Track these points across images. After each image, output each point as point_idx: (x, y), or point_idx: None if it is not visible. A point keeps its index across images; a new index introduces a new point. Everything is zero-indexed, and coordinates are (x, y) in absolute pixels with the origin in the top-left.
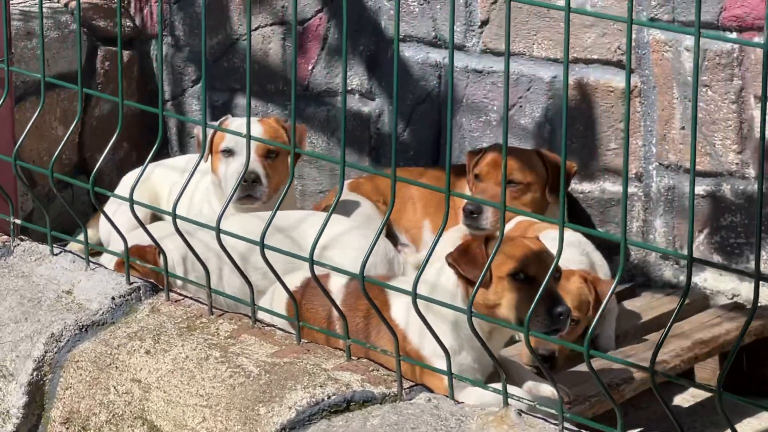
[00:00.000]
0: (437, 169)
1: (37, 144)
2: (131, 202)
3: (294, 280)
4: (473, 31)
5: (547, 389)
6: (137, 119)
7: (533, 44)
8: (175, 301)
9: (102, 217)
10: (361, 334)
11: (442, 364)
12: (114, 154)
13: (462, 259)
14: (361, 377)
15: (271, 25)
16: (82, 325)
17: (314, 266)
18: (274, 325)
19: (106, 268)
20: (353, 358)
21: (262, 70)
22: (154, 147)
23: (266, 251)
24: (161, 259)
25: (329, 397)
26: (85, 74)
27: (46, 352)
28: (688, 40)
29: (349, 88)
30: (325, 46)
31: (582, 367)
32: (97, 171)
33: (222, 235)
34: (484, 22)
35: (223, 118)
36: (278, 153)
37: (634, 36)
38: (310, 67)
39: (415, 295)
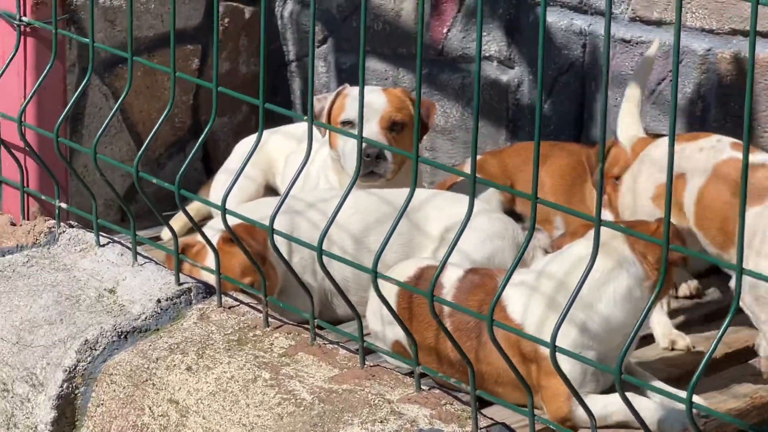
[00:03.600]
0: (576, 145)
1: (147, 105)
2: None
3: (407, 270)
4: None
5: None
6: (257, 79)
7: (686, 13)
8: (229, 308)
9: (214, 183)
10: (473, 333)
11: (564, 364)
12: (231, 118)
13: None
14: (431, 412)
15: None
16: (121, 332)
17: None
18: (338, 343)
19: (157, 263)
20: (424, 387)
21: (393, 32)
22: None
23: (379, 231)
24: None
25: None
26: (202, 31)
27: (78, 361)
28: None
29: (487, 55)
30: (461, 8)
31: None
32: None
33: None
34: None
35: (341, 87)
36: (404, 125)
37: None
38: (444, 30)
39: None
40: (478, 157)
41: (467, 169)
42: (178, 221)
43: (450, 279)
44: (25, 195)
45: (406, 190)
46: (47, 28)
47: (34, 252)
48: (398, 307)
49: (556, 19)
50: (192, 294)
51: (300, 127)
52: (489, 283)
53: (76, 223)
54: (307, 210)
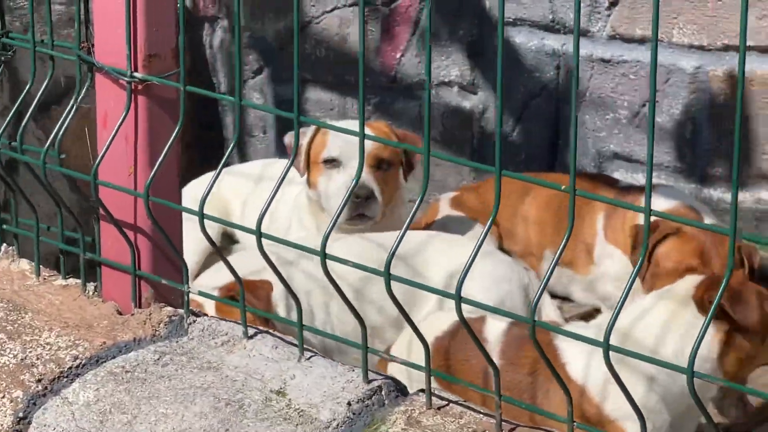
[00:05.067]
0: (564, 176)
1: (82, 150)
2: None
3: (440, 323)
4: (599, 13)
5: None
6: (190, 116)
7: (673, 29)
8: (438, 408)
9: None
10: (526, 394)
11: (632, 429)
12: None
13: (737, 305)
14: None
15: (351, 5)
16: None
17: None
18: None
19: (324, 357)
20: None
21: (339, 59)
22: (230, 147)
23: (379, 281)
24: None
25: None
26: None
27: None
28: None
29: (447, 80)
30: (416, 31)
31: None
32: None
33: (329, 264)
34: (613, 3)
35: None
36: (391, 163)
37: None
38: (398, 56)
39: (608, 347)
40: (455, 193)
41: (445, 204)
42: None
43: (494, 333)
44: (137, 279)
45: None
46: (174, 86)
47: (163, 347)
48: (434, 367)
49: (526, 39)
50: (383, 393)
51: (255, 167)
52: (539, 337)
53: (201, 311)
54: (300, 259)
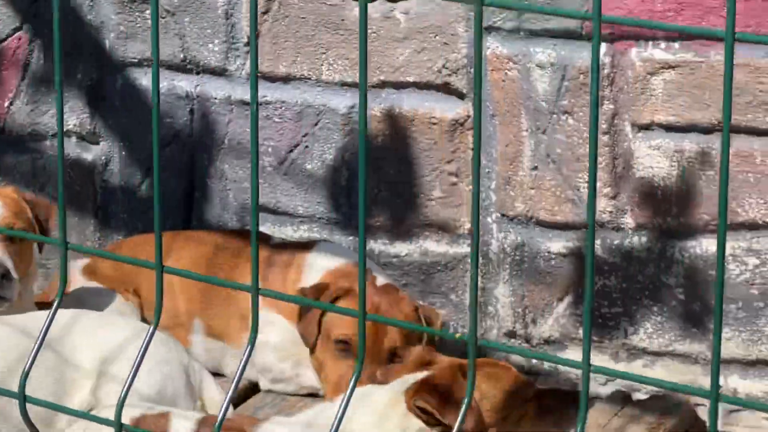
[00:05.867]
0: (204, 233)
1: None
2: None
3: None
4: (237, 50)
5: None
6: None
7: (322, 65)
8: None
9: None
10: None
11: None
12: None
13: (441, 401)
14: None
15: None
16: None
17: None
18: None
19: None
20: None
21: None
22: None
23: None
24: None
25: None
26: None
27: None
28: (541, 54)
29: (64, 129)
30: (26, 75)
31: None
32: None
33: None
34: None
35: None
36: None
37: (464, 51)
38: (6, 104)
39: None
40: (87, 260)
41: (77, 273)
42: None
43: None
44: None
45: (39, 314)
46: None
47: None
48: None
49: None
50: None
51: None
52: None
53: None
54: None
